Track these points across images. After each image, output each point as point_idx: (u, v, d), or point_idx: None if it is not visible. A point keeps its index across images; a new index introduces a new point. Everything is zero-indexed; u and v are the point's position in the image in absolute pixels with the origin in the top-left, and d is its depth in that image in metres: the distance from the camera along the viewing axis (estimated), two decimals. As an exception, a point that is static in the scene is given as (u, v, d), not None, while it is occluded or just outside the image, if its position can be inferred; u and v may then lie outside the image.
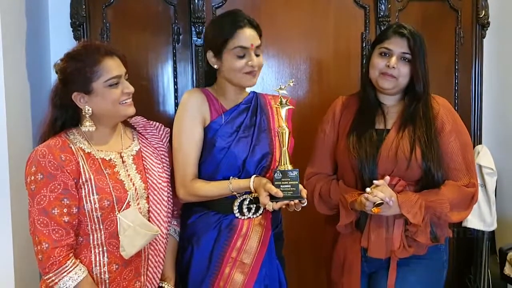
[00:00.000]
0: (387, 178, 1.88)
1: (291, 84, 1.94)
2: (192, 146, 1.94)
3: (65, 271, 1.64)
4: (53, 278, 1.64)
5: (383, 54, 2.00)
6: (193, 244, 1.96)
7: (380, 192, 1.83)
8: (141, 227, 1.74)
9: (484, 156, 2.85)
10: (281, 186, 1.80)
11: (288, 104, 1.88)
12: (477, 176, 2.08)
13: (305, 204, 1.84)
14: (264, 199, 1.80)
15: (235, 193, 1.90)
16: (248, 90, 2.09)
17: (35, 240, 1.64)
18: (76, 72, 1.69)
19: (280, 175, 1.81)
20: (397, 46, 1.97)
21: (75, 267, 1.66)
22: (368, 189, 1.86)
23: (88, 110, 1.72)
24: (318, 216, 2.20)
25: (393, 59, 1.96)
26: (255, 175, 1.89)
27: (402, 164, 1.94)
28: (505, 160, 3.02)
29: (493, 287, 2.94)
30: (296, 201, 1.81)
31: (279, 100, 1.88)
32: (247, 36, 1.90)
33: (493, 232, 2.98)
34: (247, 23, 1.92)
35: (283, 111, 1.87)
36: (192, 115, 1.96)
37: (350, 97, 2.19)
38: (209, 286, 1.91)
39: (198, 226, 1.97)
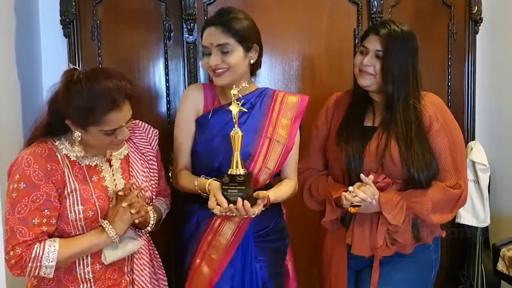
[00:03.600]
0: (371, 176, 1.88)
1: (244, 85, 1.88)
2: (183, 139, 2.02)
3: (40, 250, 1.59)
4: (33, 265, 1.59)
5: (362, 52, 2.01)
6: (181, 230, 2.03)
7: (361, 193, 1.83)
8: (125, 239, 1.74)
9: (477, 152, 2.85)
10: (228, 190, 1.78)
11: (239, 105, 1.82)
12: (468, 174, 2.06)
13: (254, 215, 1.81)
14: (211, 203, 1.78)
15: (200, 191, 1.88)
16: (258, 85, 2.09)
17: (9, 248, 1.60)
18: (79, 110, 1.60)
19: (228, 179, 1.79)
20: (372, 43, 1.96)
21: (44, 242, 1.61)
22: (350, 188, 1.86)
23: (78, 136, 1.66)
24: (310, 212, 2.20)
25: (367, 57, 1.97)
26: (213, 178, 1.86)
27: (384, 164, 1.93)
28: (498, 156, 3.03)
29: (487, 283, 2.95)
30: (239, 201, 1.75)
31: (232, 100, 1.82)
32: (207, 35, 1.92)
33: (486, 228, 2.98)
34: (213, 21, 1.92)
35: (234, 113, 1.82)
36: (186, 109, 2.05)
37: (344, 93, 2.19)
38: (186, 274, 1.97)
39: (185, 215, 2.03)
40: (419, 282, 2.05)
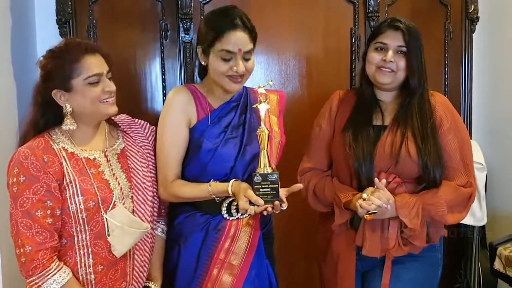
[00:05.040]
0: (384, 181, 1.86)
1: (271, 84, 1.89)
2: (174, 147, 1.91)
3: (49, 274, 1.62)
4: (37, 281, 1.62)
5: (379, 49, 1.97)
6: (181, 244, 1.93)
7: (377, 200, 1.80)
8: (130, 225, 1.73)
9: (474, 151, 2.80)
10: (260, 189, 1.75)
11: (267, 103, 1.82)
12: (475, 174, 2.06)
13: (285, 208, 1.79)
14: (244, 204, 1.74)
15: (214, 196, 1.86)
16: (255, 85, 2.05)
17: (18, 243, 1.62)
18: (56, 69, 1.67)
19: (260, 178, 1.75)
20: (393, 39, 1.95)
21: (59, 269, 1.64)
22: (364, 195, 1.82)
23: (69, 108, 1.70)
24: (309, 212, 2.19)
25: (390, 53, 1.94)
26: (234, 179, 1.83)
27: (400, 161, 1.91)
28: (495, 155, 3.03)
29: (483, 281, 2.95)
30: (276, 202, 1.75)
31: (258, 99, 1.82)
32: (236, 40, 1.81)
33: (483, 227, 2.98)
34: (240, 25, 1.82)
35: (262, 111, 1.80)
36: (176, 115, 1.91)
37: (348, 92, 2.17)
38: (197, 287, 1.88)
39: (186, 227, 1.95)
40: (426, 281, 2.05)
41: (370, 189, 1.87)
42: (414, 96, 1.97)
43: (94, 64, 1.69)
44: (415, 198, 1.89)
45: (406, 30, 1.93)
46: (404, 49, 1.94)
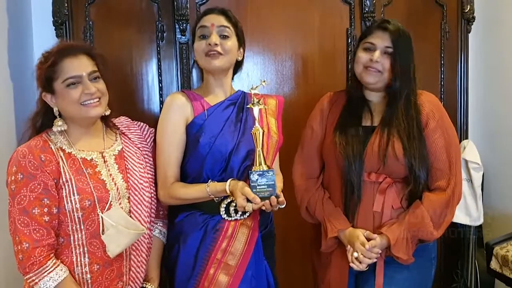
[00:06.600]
0: (375, 235, 1.91)
1: (264, 84, 1.92)
2: (173, 148, 1.94)
3: (46, 271, 1.64)
4: (34, 278, 1.64)
5: (367, 49, 1.99)
6: (180, 243, 1.96)
7: (368, 260, 1.88)
8: (127, 226, 1.73)
9: (470, 151, 2.86)
10: (257, 187, 1.79)
11: (260, 103, 1.86)
12: (461, 173, 2.03)
13: (283, 206, 1.83)
14: (241, 201, 1.78)
15: (213, 196, 1.88)
16: (235, 89, 2.09)
17: (16, 240, 1.64)
18: (41, 71, 1.71)
19: (256, 176, 1.79)
20: (380, 40, 1.96)
21: (56, 267, 1.66)
22: (355, 254, 1.90)
23: (56, 110, 1.74)
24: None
25: (377, 52, 1.96)
26: (231, 179, 1.87)
27: (387, 161, 1.92)
28: (491, 154, 3.03)
29: (481, 281, 2.96)
30: (273, 197, 1.79)
31: (252, 99, 1.86)
32: (210, 18, 1.95)
33: (480, 226, 2.99)
34: (217, 11, 1.98)
35: (256, 111, 1.85)
36: (174, 117, 1.95)
37: (338, 93, 2.18)
38: (194, 285, 1.91)
39: (185, 226, 1.97)
40: (420, 281, 2.05)
41: (360, 237, 1.91)
42: (400, 98, 1.97)
43: (74, 66, 1.71)
44: (403, 227, 1.91)
45: (395, 32, 1.95)
46: (391, 50, 1.95)
